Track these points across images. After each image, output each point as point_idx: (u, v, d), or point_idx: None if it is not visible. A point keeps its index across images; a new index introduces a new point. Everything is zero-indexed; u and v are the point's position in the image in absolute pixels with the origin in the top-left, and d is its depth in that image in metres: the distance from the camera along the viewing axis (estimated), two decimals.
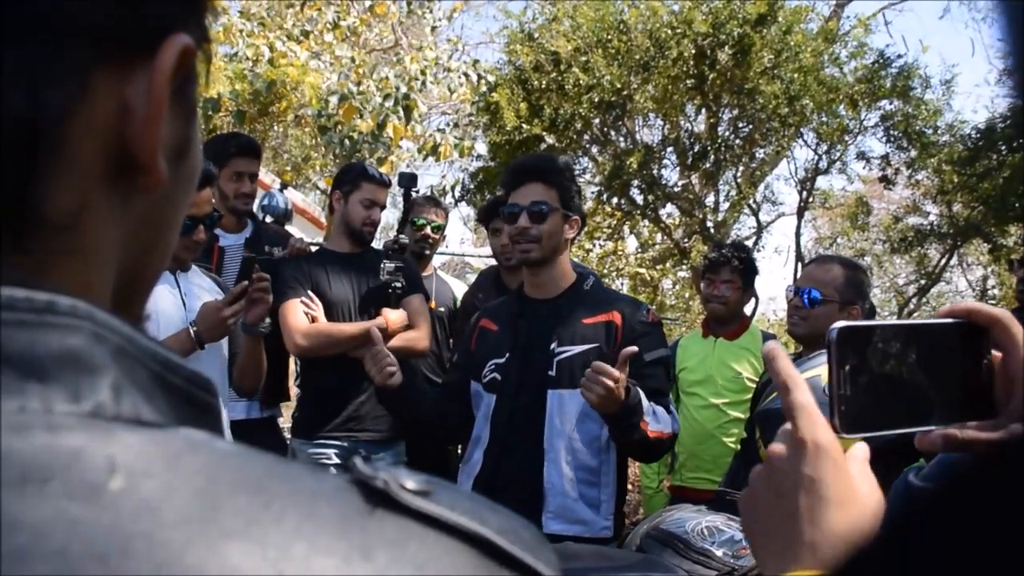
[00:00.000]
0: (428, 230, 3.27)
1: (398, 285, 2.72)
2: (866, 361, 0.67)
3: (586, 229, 7.75)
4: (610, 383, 1.78)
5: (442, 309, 3.28)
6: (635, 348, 1.88)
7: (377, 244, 3.12)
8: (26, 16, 0.29)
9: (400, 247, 3.31)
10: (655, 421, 1.95)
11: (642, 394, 1.91)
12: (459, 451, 3.55)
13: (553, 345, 2.07)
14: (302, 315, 2.65)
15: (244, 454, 0.29)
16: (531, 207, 2.09)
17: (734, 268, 3.15)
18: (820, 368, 1.85)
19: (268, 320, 2.29)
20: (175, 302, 2.20)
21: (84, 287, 0.33)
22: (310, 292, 2.70)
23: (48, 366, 0.28)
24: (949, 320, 0.70)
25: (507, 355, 2.12)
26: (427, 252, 3.33)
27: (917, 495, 0.70)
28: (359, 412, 2.69)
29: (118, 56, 0.32)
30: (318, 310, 2.67)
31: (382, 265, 2.73)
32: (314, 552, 0.26)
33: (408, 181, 3.34)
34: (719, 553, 1.46)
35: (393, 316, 2.69)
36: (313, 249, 3.04)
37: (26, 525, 0.24)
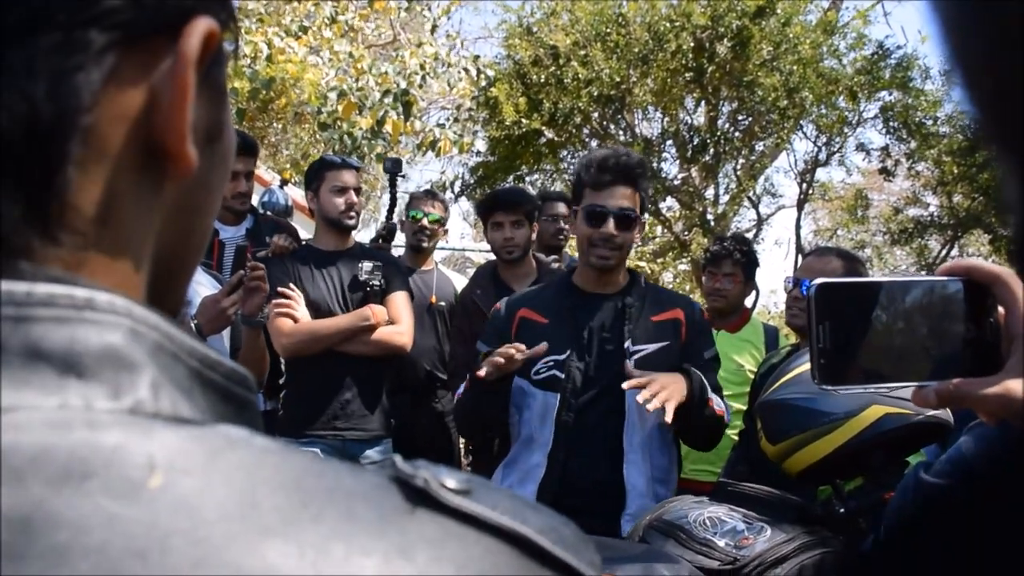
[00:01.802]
0: (425, 222, 3.25)
1: (376, 284, 2.71)
2: (847, 317, 0.68)
3: None
4: (655, 387, 1.79)
5: (443, 303, 3.28)
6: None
7: (369, 234, 3.10)
8: (40, 3, 0.29)
9: (389, 233, 3.26)
10: (716, 401, 1.97)
11: (698, 372, 1.94)
12: (463, 451, 3.56)
13: (627, 344, 1.98)
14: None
15: (283, 451, 0.29)
16: (619, 213, 1.98)
17: (736, 261, 3.15)
18: None
19: (267, 310, 2.27)
20: None
21: (118, 279, 0.32)
22: (291, 285, 2.66)
23: (88, 363, 0.28)
24: (945, 278, 0.70)
25: (568, 352, 1.97)
26: (425, 245, 3.31)
27: (929, 491, 0.70)
28: (345, 409, 2.66)
29: (141, 42, 0.31)
30: (300, 307, 2.65)
31: (360, 265, 2.72)
32: (353, 552, 0.26)
33: (392, 166, 3.31)
34: (721, 543, 1.47)
35: (379, 308, 2.69)
36: (303, 242, 3.02)
37: (66, 522, 0.24)
